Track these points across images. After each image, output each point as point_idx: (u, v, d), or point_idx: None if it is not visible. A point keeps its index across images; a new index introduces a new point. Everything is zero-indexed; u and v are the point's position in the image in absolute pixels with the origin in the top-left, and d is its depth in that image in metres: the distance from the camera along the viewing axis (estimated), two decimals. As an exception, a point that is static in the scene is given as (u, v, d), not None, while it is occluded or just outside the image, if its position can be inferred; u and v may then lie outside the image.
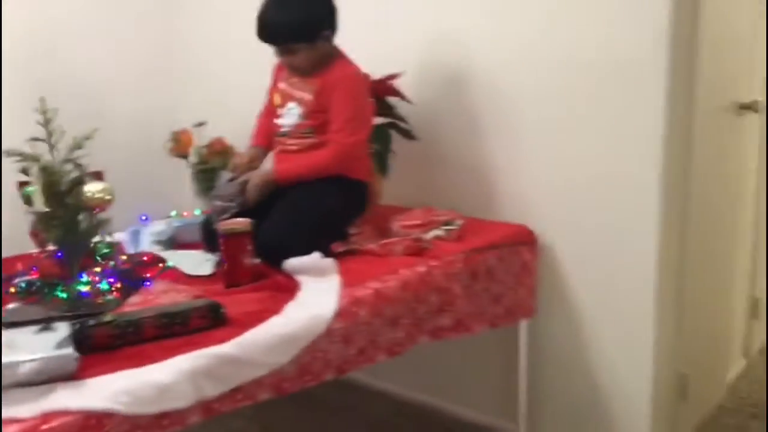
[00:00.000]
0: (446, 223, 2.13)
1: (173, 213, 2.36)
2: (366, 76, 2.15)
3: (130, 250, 2.06)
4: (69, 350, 1.32)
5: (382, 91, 2.27)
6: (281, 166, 2.12)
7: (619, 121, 2.06)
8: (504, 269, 2.12)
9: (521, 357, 2.30)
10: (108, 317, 1.44)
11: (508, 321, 2.18)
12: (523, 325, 2.26)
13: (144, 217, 2.25)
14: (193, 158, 2.30)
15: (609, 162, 2.10)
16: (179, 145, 2.34)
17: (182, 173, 2.35)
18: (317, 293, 1.74)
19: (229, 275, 1.83)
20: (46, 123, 1.44)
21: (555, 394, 2.33)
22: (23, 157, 1.47)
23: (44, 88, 2.52)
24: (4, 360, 1.27)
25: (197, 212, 2.34)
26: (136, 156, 2.81)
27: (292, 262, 1.88)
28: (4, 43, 2.54)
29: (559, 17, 2.13)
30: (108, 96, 2.84)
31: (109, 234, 1.79)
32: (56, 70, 2.68)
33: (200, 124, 2.29)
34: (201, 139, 2.30)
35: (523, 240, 2.20)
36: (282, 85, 2.19)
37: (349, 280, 1.80)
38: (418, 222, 2.13)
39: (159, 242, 2.08)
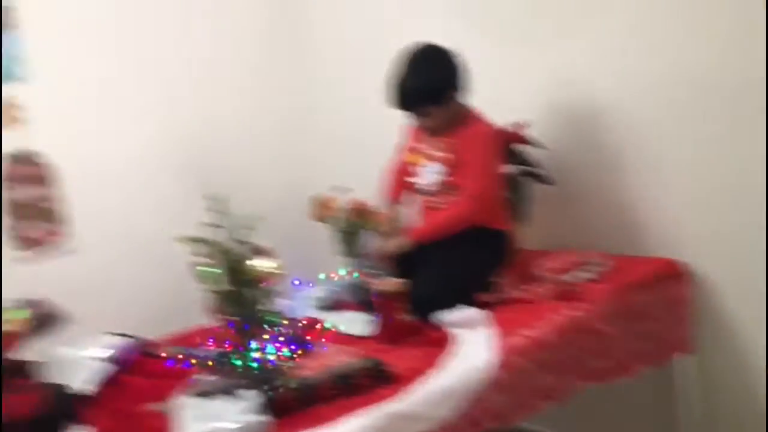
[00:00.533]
0: (591, 263, 2.13)
1: (321, 275, 2.47)
2: (497, 131, 2.21)
3: (291, 315, 2.17)
4: (261, 416, 1.43)
5: (513, 141, 2.31)
6: (417, 229, 2.21)
7: (759, 141, 2.01)
8: (657, 305, 2.09)
9: (684, 393, 2.23)
10: (292, 382, 1.55)
11: (665, 358, 2.15)
12: (683, 360, 2.21)
13: (297, 282, 2.36)
14: (335, 221, 2.41)
15: (752, 185, 2.04)
16: (321, 210, 2.47)
17: (320, 235, 2.46)
18: (474, 345, 1.79)
19: (387, 333, 1.92)
20: (220, 213, 1.62)
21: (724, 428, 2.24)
22: (202, 242, 1.64)
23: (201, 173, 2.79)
24: (205, 428, 1.39)
25: (342, 272, 2.44)
26: (278, 221, 2.97)
27: (444, 317, 1.94)
28: (170, 142, 2.84)
29: (681, 48, 2.13)
30: (251, 169, 3.07)
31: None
32: (211, 154, 2.95)
33: (341, 189, 2.41)
34: (340, 202, 2.42)
35: (673, 273, 2.16)
36: (417, 145, 2.28)
37: (501, 330, 1.83)
38: (563, 265, 2.14)
39: (322, 307, 2.20)
